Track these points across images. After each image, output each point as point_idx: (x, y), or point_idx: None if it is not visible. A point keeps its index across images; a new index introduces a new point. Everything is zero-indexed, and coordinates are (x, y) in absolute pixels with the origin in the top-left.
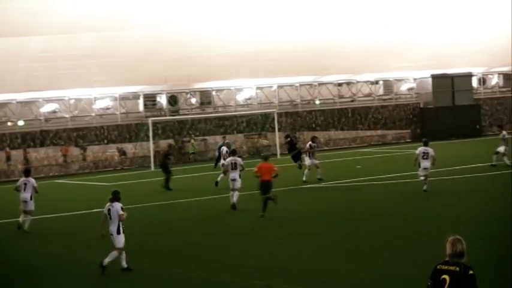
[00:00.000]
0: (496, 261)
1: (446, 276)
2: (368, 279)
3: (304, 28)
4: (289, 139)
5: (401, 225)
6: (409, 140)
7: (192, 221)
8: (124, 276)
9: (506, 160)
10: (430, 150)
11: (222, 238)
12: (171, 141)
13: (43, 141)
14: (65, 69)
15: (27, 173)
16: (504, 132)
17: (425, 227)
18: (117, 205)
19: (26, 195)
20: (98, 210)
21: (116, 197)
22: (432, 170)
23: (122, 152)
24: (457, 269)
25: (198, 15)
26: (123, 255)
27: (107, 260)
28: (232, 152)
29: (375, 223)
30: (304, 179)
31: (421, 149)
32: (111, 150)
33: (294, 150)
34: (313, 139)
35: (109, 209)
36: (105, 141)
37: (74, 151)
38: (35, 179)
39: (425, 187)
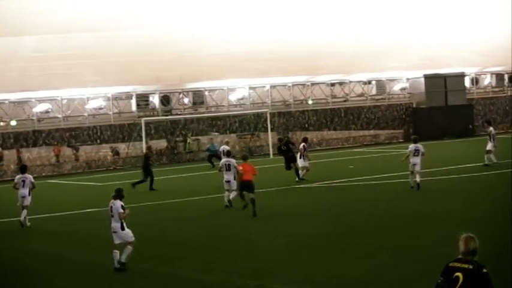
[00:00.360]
0: (493, 261)
1: (459, 274)
2: (363, 279)
3: (297, 28)
4: (285, 141)
5: (396, 225)
6: (401, 140)
7: (185, 221)
8: (117, 276)
9: (492, 157)
10: (420, 147)
11: (215, 238)
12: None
13: (36, 141)
14: (58, 69)
15: (23, 169)
16: (491, 128)
17: (419, 227)
18: (118, 203)
19: (24, 191)
20: (90, 210)
21: (118, 194)
22: (426, 170)
23: (115, 152)
24: (471, 267)
25: (191, 15)
26: (118, 254)
27: (123, 257)
28: (227, 154)
29: (369, 223)
30: (297, 179)
31: (412, 146)
32: (104, 150)
33: (290, 153)
34: (306, 140)
35: (111, 206)
36: (98, 141)
37: (67, 151)
38: None
39: (418, 180)
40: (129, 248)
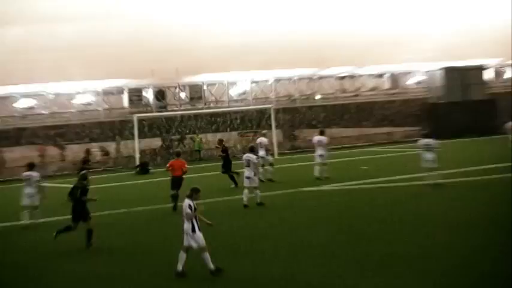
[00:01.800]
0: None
1: None
2: None
3: (303, 17)
4: (223, 145)
5: (412, 232)
6: (418, 138)
7: (181, 228)
8: (110, 275)
9: None
10: (432, 141)
11: (214, 247)
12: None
13: (18, 139)
14: (44, 61)
15: (31, 166)
16: (510, 124)
17: (436, 234)
18: (186, 202)
19: (31, 190)
20: None
21: (190, 193)
22: (446, 172)
23: (105, 152)
24: None
25: (188, 3)
26: (185, 257)
27: (210, 265)
28: (250, 149)
29: (382, 230)
30: (319, 175)
31: (423, 140)
32: (93, 150)
33: (228, 158)
34: (324, 132)
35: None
36: (86, 139)
37: (52, 151)
38: (9, 181)
39: (434, 180)
40: (206, 254)
